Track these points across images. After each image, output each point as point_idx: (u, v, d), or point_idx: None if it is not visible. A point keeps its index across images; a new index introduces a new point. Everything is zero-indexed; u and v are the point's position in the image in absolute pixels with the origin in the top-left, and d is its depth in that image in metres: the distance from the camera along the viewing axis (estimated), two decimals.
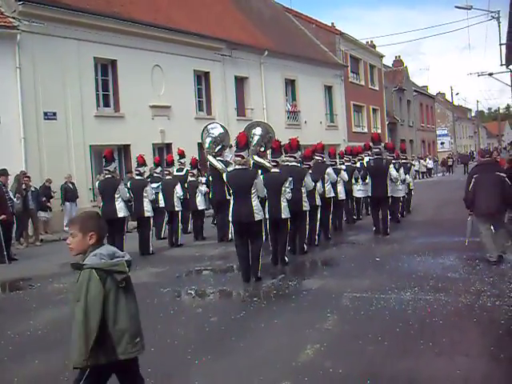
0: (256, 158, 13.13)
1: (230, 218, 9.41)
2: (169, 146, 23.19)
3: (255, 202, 9.17)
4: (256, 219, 9.13)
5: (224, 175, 9.86)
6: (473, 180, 9.79)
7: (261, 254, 9.42)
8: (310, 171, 11.79)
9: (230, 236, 13.88)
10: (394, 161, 15.15)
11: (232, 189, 9.39)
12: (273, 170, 10.46)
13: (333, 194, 13.57)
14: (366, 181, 14.26)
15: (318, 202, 12.18)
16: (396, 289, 8.07)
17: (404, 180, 15.98)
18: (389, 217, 13.88)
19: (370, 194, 14.17)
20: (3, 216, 13.05)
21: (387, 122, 45.58)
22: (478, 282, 8.27)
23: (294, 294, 8.28)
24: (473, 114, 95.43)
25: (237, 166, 9.53)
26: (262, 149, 13.41)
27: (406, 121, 52.25)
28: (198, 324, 6.97)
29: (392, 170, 13.80)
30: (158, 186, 14.13)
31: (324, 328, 6.54)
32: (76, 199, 18.58)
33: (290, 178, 10.31)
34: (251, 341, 6.23)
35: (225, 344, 6.15)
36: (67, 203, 18.30)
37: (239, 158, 9.41)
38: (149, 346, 6.10)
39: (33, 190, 16.60)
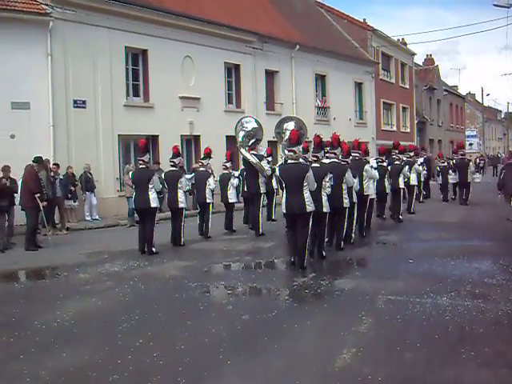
0: (286, 151, 13.04)
1: (284, 211, 9.83)
2: (197, 137, 23.06)
3: (307, 194, 9.58)
4: (308, 210, 9.57)
5: (276, 169, 10.29)
6: (503, 173, 16.62)
7: (308, 244, 9.76)
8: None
9: (260, 231, 13.82)
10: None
11: (284, 182, 9.85)
12: (313, 165, 10.41)
13: (370, 192, 13.63)
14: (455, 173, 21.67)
15: (355, 199, 12.12)
16: (431, 293, 7.81)
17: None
18: (469, 194, 21.15)
19: (458, 181, 21.66)
20: (44, 202, 13.50)
21: (416, 121, 44.93)
22: None
23: (326, 294, 8.07)
24: (502, 116, 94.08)
25: (289, 161, 9.90)
26: None
27: (436, 120, 51.48)
28: (229, 322, 6.78)
29: (471, 166, 21.70)
30: (192, 177, 14.10)
31: (359, 331, 6.31)
32: (94, 189, 18.44)
33: (331, 175, 10.44)
34: (285, 342, 6.01)
35: (258, 344, 5.95)
36: (87, 193, 18.21)
37: (292, 153, 9.81)
38: (179, 342, 6.04)
39: (61, 177, 16.58)
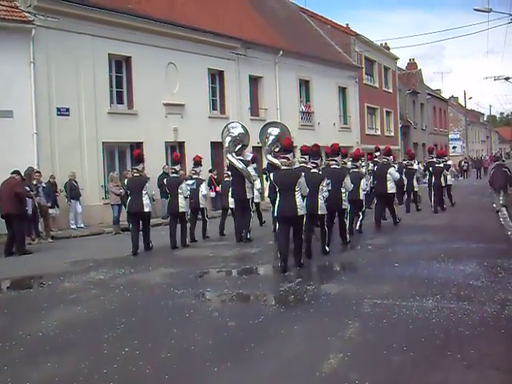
0: (269, 157, 13.37)
1: (276, 214, 10.36)
2: (181, 144, 23.04)
3: (299, 199, 10.06)
4: (299, 214, 10.01)
5: (271, 175, 10.71)
6: (492, 171, 19.60)
7: (302, 245, 10.46)
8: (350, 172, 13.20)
9: (248, 235, 13.86)
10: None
11: (278, 187, 10.25)
12: (312, 171, 11.29)
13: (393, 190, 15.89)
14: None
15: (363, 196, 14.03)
16: (417, 296, 7.81)
17: None
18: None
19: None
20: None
21: (400, 125, 45.20)
22: (501, 291, 7.98)
23: (312, 299, 8.05)
24: (485, 119, 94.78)
25: (283, 167, 10.44)
26: (277, 149, 13.61)
27: (419, 124, 51.83)
28: (215, 329, 6.75)
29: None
30: (193, 183, 14.48)
31: (346, 336, 6.30)
32: (79, 197, 18.37)
33: (328, 180, 11.23)
34: (271, 348, 5.99)
35: (244, 351, 5.92)
36: (72, 201, 18.12)
37: (285, 160, 10.36)
38: (165, 350, 6.00)
39: (43, 186, 16.46)
